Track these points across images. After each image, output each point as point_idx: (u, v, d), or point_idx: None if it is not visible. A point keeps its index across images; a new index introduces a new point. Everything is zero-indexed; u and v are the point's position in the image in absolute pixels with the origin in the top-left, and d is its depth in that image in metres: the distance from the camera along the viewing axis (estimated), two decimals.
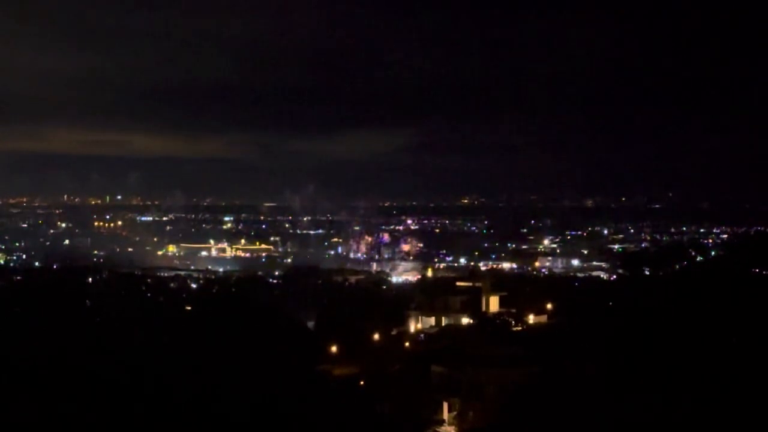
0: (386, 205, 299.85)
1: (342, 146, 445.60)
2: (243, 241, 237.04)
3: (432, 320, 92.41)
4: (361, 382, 62.42)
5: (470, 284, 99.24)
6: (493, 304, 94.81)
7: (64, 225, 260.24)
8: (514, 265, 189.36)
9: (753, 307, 56.83)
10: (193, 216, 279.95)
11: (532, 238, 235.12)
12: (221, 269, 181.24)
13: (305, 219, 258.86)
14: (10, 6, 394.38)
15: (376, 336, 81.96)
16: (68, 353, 54.77)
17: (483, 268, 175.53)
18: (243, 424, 47.33)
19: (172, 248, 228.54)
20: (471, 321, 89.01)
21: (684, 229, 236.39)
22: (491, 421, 51.86)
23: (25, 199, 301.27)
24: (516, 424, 47.95)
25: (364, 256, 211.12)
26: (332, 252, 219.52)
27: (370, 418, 52.17)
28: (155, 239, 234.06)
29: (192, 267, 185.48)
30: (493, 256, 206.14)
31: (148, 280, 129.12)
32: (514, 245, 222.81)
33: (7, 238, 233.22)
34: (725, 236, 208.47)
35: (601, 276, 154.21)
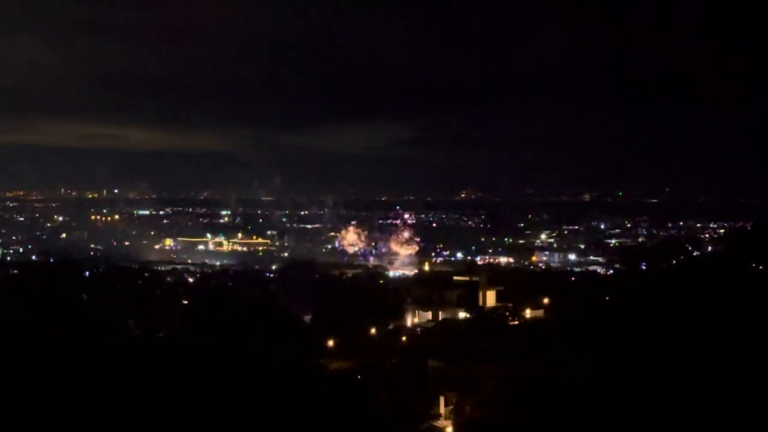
0: (383, 199, 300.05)
1: (339, 140, 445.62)
2: (240, 234, 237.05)
3: (429, 314, 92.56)
4: (358, 376, 62.52)
5: (467, 278, 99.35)
6: (490, 298, 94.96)
7: (60, 218, 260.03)
8: (511, 260, 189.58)
9: (750, 302, 56.87)
10: (190, 210, 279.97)
11: (529, 232, 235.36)
12: (218, 263, 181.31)
13: (302, 213, 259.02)
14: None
15: (373, 330, 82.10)
16: (65, 347, 54.72)
17: (480, 263, 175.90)
18: (239, 418, 47.35)
19: (169, 242, 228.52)
20: (468, 315, 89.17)
21: (681, 223, 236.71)
22: (487, 415, 51.92)
23: (21, 193, 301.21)
24: (512, 418, 47.99)
25: (361, 250, 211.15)
26: (329, 246, 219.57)
27: (367, 412, 52.20)
28: (152, 233, 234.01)
29: (189, 261, 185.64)
30: (490, 251, 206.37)
31: (146, 274, 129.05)
32: (511, 240, 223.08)
33: (3, 231, 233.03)
34: (722, 231, 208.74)
35: (598, 270, 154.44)
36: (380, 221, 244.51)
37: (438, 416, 57.44)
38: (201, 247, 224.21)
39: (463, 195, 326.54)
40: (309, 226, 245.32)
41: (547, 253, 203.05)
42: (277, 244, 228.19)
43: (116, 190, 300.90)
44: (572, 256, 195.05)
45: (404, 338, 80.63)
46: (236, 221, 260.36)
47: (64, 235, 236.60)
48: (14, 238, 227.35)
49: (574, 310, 76.22)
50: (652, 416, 42.37)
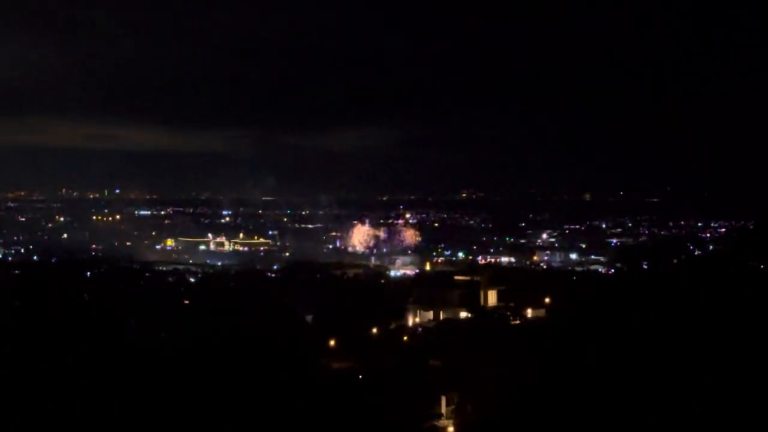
0: (384, 198, 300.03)
1: (339, 140, 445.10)
2: (241, 235, 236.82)
3: (430, 314, 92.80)
4: (360, 376, 62.63)
5: (468, 278, 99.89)
6: (492, 297, 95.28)
7: (62, 219, 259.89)
8: (513, 259, 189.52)
9: (751, 300, 56.83)
10: (191, 210, 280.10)
11: (530, 232, 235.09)
12: (219, 263, 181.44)
13: (303, 213, 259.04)
14: None
15: (375, 330, 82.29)
16: (66, 347, 54.77)
17: (481, 262, 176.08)
18: (241, 418, 47.38)
19: (170, 242, 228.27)
20: (469, 315, 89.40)
21: (682, 222, 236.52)
22: (489, 415, 51.93)
23: (23, 193, 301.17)
24: (514, 418, 48.00)
25: (363, 249, 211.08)
26: (330, 246, 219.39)
27: (368, 412, 52.24)
28: (153, 233, 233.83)
29: (190, 261, 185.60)
30: (492, 250, 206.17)
31: (147, 275, 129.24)
32: (512, 239, 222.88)
33: (5, 232, 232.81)
34: (723, 230, 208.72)
35: (600, 270, 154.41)
36: (381, 221, 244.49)
37: (440, 416, 57.50)
38: (202, 247, 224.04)
39: (464, 195, 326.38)
40: (310, 226, 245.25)
41: (548, 252, 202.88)
42: (278, 244, 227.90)
43: (117, 190, 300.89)
44: (573, 256, 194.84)
45: (406, 338, 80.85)
46: (237, 221, 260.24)
47: (65, 235, 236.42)
48: (15, 238, 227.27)
49: (576, 309, 76.27)
50: (653, 416, 42.39)
